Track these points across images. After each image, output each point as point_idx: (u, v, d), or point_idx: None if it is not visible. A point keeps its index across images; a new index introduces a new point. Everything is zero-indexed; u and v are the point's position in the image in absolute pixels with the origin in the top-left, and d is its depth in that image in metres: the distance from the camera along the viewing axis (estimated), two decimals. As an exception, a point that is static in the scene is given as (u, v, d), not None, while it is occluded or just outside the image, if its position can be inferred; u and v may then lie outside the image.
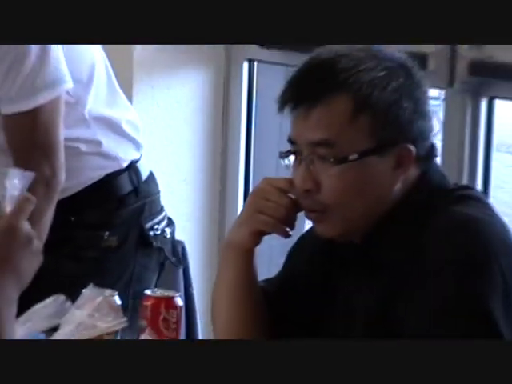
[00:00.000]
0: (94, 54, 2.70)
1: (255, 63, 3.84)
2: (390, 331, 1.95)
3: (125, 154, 2.74)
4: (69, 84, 2.55)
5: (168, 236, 2.79)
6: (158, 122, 3.56)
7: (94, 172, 2.69)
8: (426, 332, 1.95)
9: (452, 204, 2.03)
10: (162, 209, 2.82)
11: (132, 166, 2.75)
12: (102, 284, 2.20)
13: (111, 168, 2.71)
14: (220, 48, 3.84)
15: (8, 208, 1.82)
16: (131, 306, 2.30)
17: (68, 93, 2.57)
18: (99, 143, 2.70)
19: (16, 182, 1.86)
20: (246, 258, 2.13)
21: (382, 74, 2.00)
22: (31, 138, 2.53)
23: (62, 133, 2.56)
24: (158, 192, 2.82)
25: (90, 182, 2.68)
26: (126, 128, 2.76)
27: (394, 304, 2.00)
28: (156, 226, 2.78)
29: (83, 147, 2.66)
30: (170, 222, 2.83)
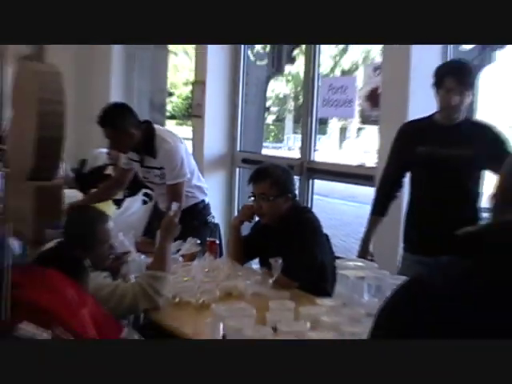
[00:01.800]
0: (192, 160, 2.65)
1: (241, 168, 3.71)
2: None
3: (202, 197, 2.69)
4: (188, 175, 2.54)
5: (213, 221, 2.73)
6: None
7: (191, 202, 2.64)
8: (297, 262, 1.93)
9: (304, 213, 2.12)
10: (211, 212, 2.72)
11: (203, 200, 2.70)
12: (194, 237, 2.27)
13: (196, 201, 2.67)
14: (228, 163, 3.68)
15: (171, 214, 1.89)
16: (202, 245, 2.25)
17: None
18: (194, 193, 2.65)
19: (175, 206, 1.94)
20: (237, 229, 2.21)
21: (280, 173, 2.10)
22: (176, 193, 2.49)
23: (184, 190, 2.57)
24: (210, 208, 2.73)
25: (188, 206, 2.61)
26: (204, 189, 2.70)
27: (288, 253, 1.95)
28: (210, 218, 2.72)
29: (189, 194, 2.61)
30: (213, 216, 2.73)
